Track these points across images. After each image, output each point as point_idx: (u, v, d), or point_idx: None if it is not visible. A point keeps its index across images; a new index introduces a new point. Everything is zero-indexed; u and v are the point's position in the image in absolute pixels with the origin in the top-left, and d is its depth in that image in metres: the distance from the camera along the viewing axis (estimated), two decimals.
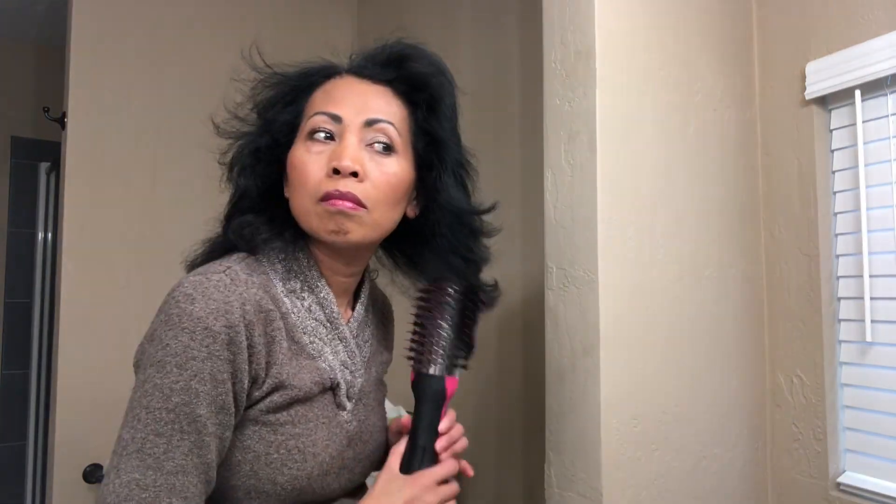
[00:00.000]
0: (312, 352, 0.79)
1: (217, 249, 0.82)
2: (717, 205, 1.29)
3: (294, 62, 0.85)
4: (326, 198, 0.74)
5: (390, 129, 0.78)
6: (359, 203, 0.75)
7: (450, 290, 0.83)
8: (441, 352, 0.81)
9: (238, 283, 0.72)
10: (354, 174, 0.74)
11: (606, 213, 1.14)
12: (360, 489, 0.87)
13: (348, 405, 0.82)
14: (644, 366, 1.16)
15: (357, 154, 0.75)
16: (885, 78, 1.15)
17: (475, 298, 0.85)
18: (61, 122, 1.92)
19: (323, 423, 0.78)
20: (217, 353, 0.68)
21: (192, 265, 0.82)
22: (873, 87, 1.18)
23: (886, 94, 1.17)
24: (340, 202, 0.74)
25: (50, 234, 2.93)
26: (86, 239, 1.86)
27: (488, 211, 0.88)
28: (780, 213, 1.32)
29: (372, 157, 0.77)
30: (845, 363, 1.24)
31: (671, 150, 1.23)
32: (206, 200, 2.12)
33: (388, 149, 0.78)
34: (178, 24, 2.04)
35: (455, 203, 0.82)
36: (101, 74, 1.91)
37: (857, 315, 1.21)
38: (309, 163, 0.76)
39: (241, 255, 0.78)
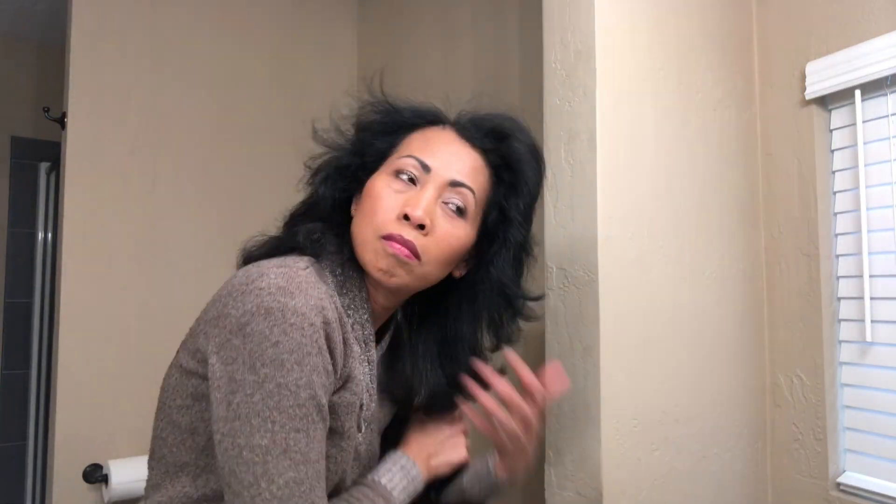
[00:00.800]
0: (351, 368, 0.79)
1: (281, 247, 0.82)
2: (717, 205, 1.29)
3: (407, 99, 0.88)
4: (388, 238, 0.76)
5: (469, 195, 0.80)
6: (415, 254, 0.77)
7: None
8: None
9: (319, 284, 0.73)
10: (421, 226, 0.77)
11: (606, 212, 1.14)
12: None
13: (363, 427, 0.83)
14: (644, 366, 1.16)
15: (431, 208, 0.78)
16: (885, 78, 1.15)
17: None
18: (61, 122, 1.92)
19: (347, 440, 0.79)
20: (322, 348, 0.69)
21: (251, 257, 0.82)
22: (873, 87, 1.18)
23: (886, 94, 1.17)
24: (399, 247, 0.76)
25: (50, 234, 2.93)
26: (86, 239, 1.86)
27: (533, 299, 0.90)
28: (780, 213, 1.32)
29: (444, 213, 0.79)
30: (845, 363, 1.24)
31: (671, 150, 1.23)
32: (206, 200, 2.13)
33: (461, 212, 0.80)
34: (179, 24, 2.04)
35: (505, 280, 0.85)
36: (101, 74, 1.91)
37: (857, 315, 1.21)
38: (385, 198, 0.78)
39: (308, 258, 0.78)
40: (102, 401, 1.81)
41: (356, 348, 0.80)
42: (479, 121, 0.86)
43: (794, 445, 1.28)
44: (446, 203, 0.79)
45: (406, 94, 0.91)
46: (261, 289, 0.68)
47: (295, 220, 0.85)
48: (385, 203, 0.78)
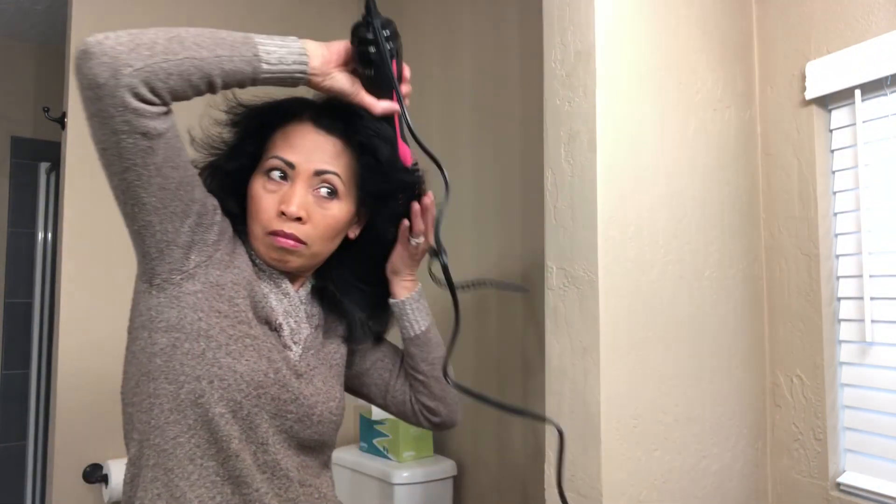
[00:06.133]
0: (258, 292, 0.90)
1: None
2: (716, 205, 1.29)
3: (263, 95, 0.94)
4: (274, 234, 0.88)
5: (335, 178, 0.91)
6: (299, 241, 0.89)
7: None
8: None
9: None
10: (298, 218, 0.88)
11: (606, 213, 1.14)
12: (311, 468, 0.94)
13: (294, 347, 0.93)
14: (644, 366, 1.16)
15: (303, 200, 0.89)
16: (885, 78, 1.15)
17: None
18: (61, 122, 1.92)
19: (268, 346, 0.89)
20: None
21: None
22: (873, 87, 1.18)
23: (886, 94, 1.17)
24: (283, 240, 0.88)
25: (50, 234, 2.93)
26: (86, 239, 1.86)
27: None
28: (780, 213, 1.32)
29: (318, 200, 0.90)
30: (845, 363, 1.24)
31: (671, 150, 1.23)
32: None
33: (332, 194, 0.91)
34: (178, 25, 2.04)
35: (397, 216, 0.99)
36: None
37: (857, 315, 1.21)
38: (263, 198, 0.89)
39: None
40: (102, 401, 1.81)
41: (266, 286, 0.92)
42: (328, 107, 0.94)
43: (794, 445, 1.28)
44: (318, 189, 0.90)
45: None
46: None
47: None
48: (264, 202, 0.89)
